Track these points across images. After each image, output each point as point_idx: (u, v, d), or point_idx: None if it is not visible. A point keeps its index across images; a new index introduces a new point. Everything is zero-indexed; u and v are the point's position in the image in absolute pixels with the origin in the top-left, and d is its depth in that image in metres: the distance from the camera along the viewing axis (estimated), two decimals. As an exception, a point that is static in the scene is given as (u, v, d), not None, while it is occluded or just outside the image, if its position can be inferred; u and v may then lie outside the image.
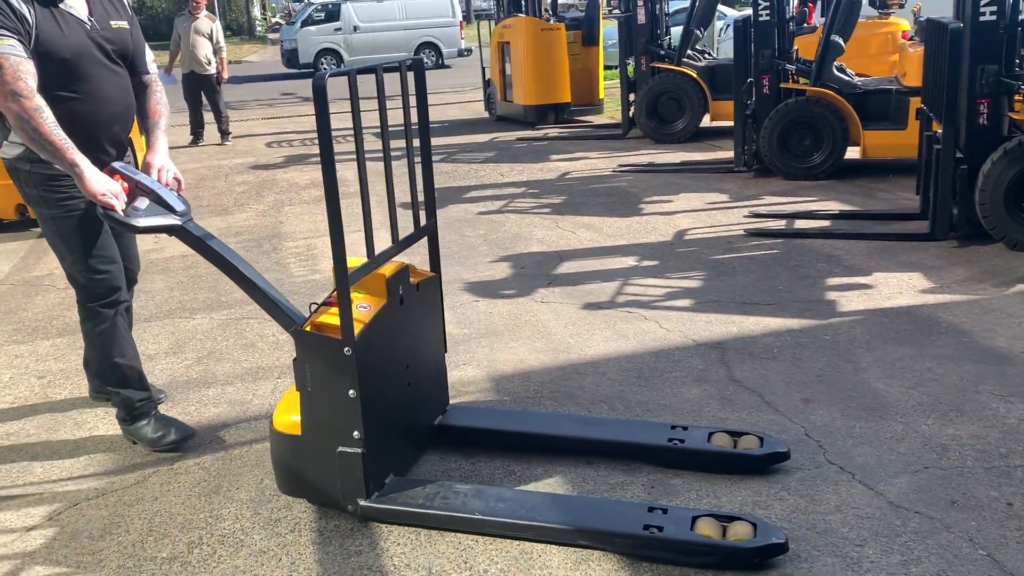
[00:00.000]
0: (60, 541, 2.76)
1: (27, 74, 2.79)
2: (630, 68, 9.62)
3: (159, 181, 3.08)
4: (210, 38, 10.50)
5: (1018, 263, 4.84)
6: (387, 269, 2.82)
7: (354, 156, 2.69)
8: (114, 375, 3.25)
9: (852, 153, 7.19)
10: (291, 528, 2.75)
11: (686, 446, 2.94)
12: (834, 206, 6.32)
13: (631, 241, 5.75)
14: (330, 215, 2.47)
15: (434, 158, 9.62)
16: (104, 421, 3.57)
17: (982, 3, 4.88)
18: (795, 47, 7.48)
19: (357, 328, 2.59)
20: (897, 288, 4.57)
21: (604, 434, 3.09)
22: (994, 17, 4.91)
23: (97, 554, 2.68)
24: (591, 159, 8.70)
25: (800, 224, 5.91)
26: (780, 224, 5.95)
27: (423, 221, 3.05)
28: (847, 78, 7.14)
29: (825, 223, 5.91)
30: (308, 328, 2.65)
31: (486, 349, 4.09)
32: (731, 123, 9.14)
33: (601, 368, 3.81)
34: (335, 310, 2.63)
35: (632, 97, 9.59)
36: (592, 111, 11.40)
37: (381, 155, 2.84)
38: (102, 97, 3.02)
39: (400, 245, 2.89)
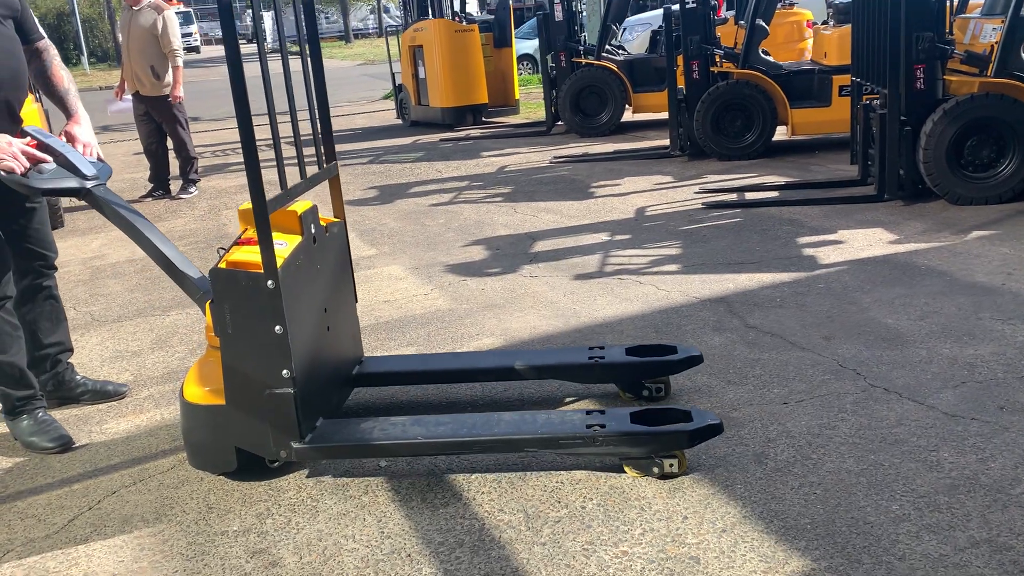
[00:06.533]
0: (111, 528, 2.56)
1: None
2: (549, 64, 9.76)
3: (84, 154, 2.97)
4: (156, 38, 7.30)
5: (965, 214, 5.17)
6: (298, 206, 2.74)
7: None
8: None
9: (780, 135, 7.52)
10: (363, 491, 2.64)
11: (607, 361, 3.05)
12: (776, 180, 6.59)
13: (595, 220, 5.82)
14: (244, 143, 2.36)
15: (363, 160, 9.65)
16: (111, 414, 3.34)
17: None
18: (718, 34, 7.78)
19: (278, 262, 2.48)
20: (866, 241, 4.81)
21: (527, 360, 3.11)
22: (927, -13, 5.26)
23: (159, 535, 2.50)
24: (523, 154, 8.76)
25: (751, 196, 6.14)
26: (733, 197, 6.16)
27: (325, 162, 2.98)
28: (772, 60, 7.48)
29: (774, 194, 6.15)
30: (223, 266, 2.53)
31: (494, 320, 4.05)
32: (653, 115, 9.46)
33: (617, 328, 3.83)
34: (248, 248, 2.56)
35: (554, 94, 9.73)
36: (508, 112, 11.50)
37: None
38: None
39: (310, 181, 2.82)
